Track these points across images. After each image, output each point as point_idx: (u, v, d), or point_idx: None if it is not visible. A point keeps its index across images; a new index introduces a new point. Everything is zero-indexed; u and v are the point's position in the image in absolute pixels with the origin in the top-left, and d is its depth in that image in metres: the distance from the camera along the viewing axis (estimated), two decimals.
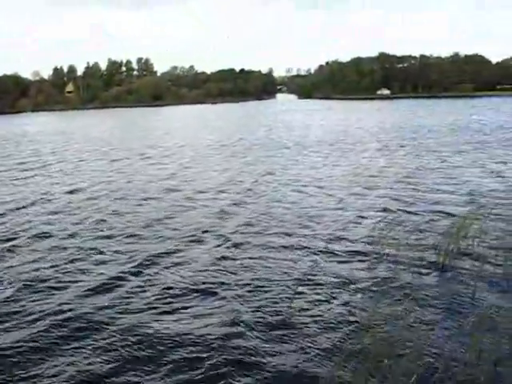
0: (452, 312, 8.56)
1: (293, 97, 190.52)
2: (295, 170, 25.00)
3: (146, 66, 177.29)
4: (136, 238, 13.68)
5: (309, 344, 7.75)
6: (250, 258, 11.68)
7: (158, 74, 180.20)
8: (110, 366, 7.35)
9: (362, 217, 15.12)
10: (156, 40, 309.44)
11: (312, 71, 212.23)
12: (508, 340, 7.33)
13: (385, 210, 15.88)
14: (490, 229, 12.42)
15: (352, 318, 8.41)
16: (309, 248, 12.19)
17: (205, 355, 7.51)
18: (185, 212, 16.69)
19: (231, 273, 10.77)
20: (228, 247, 12.56)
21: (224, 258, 11.75)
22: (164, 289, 9.99)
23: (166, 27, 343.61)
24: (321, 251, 11.92)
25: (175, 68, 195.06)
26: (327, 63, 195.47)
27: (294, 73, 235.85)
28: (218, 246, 12.69)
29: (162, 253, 12.23)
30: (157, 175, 24.72)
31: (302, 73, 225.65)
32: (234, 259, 11.65)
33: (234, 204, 17.64)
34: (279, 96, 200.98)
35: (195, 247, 12.67)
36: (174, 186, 21.64)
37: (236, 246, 12.64)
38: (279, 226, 14.44)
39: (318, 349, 7.59)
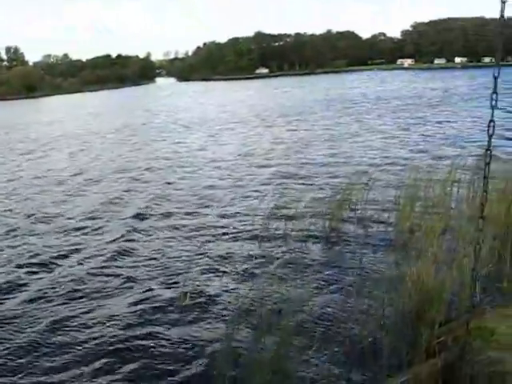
0: (339, 278, 8.84)
1: (173, 80, 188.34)
2: (185, 151, 24.98)
3: (15, 55, 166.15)
4: (28, 230, 13.05)
5: (205, 315, 7.94)
6: (152, 241, 11.63)
7: (30, 64, 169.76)
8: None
9: (254, 193, 15.49)
10: (23, 28, 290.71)
11: (190, 54, 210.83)
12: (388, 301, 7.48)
13: (275, 184, 16.43)
14: (372, 197, 13.15)
15: (243, 291, 8.49)
16: (206, 228, 12.30)
17: (111, 339, 7.40)
18: (77, 202, 16.12)
19: (135, 257, 10.64)
20: (129, 231, 12.35)
21: (127, 242, 11.54)
22: (67, 280, 9.64)
23: (32, 13, 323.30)
24: (215, 230, 12.07)
25: (48, 56, 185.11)
26: (205, 44, 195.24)
27: (173, 56, 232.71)
28: (119, 232, 12.42)
29: (58, 245, 11.75)
30: (45, 168, 23.52)
31: (181, 56, 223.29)
32: (136, 243, 11.51)
33: (128, 190, 17.31)
34: (159, 80, 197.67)
35: (94, 237, 12.31)
36: (62, 177, 20.80)
37: (137, 230, 12.47)
38: (177, 207, 14.44)
39: (212, 318, 7.84)
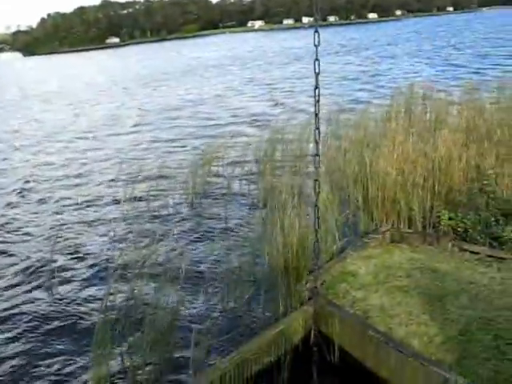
0: (206, 238, 8.95)
1: (19, 55, 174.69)
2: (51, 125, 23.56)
3: None
4: None
5: (79, 277, 7.92)
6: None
7: None
8: None
9: (117, 159, 15.34)
10: None
11: (35, 26, 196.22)
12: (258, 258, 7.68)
13: (140, 149, 16.35)
14: (234, 156, 13.32)
15: (116, 252, 8.49)
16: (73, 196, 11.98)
17: None
18: None
19: None
20: None
21: None
22: None
23: None
24: (81, 197, 11.91)
25: None
26: (49, 15, 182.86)
27: (15, 29, 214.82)
28: None
29: None
30: None
31: (24, 28, 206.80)
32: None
33: None
34: (2, 56, 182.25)
35: None
36: None
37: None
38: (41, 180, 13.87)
39: (89, 278, 7.86)
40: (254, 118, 19.74)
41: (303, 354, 5.29)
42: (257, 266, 7.26)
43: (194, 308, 6.69)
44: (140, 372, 5.52)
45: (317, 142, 3.90)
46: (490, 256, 6.24)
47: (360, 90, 24.06)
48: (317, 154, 3.92)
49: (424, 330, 4.97)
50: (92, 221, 10.31)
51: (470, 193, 7.97)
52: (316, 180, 4.58)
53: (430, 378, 4.45)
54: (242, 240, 8.34)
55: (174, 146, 16.32)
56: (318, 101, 3.21)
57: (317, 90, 3.91)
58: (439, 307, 5.26)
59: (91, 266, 8.27)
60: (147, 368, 5.56)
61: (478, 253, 6.30)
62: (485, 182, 7.94)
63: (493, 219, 7.09)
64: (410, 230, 7.24)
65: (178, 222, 9.76)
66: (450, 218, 7.22)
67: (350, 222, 8.08)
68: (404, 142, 9.01)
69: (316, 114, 3.40)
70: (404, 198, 7.85)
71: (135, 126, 21.43)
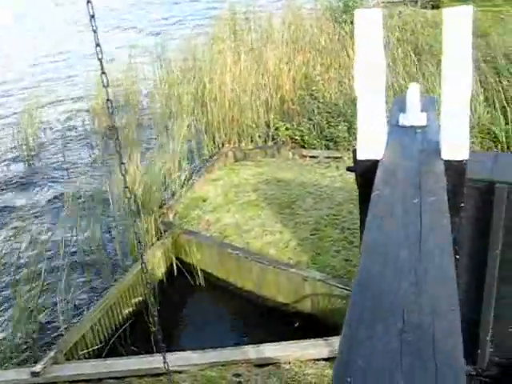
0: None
1: None
2: None
3: None
4: None
5: None
6: None
7: None
8: None
9: None
10: None
11: None
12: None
13: None
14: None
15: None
16: None
17: None
18: None
19: None
20: None
21: None
22: None
23: None
24: None
25: None
26: None
27: None
28: None
29: None
30: None
31: None
32: None
33: None
34: None
35: None
36: None
37: None
38: None
39: None
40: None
41: (169, 285, 5.31)
42: (108, 208, 6.95)
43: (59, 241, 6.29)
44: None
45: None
46: (327, 157, 6.61)
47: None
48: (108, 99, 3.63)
49: (279, 238, 5.19)
50: None
51: (301, 101, 8.25)
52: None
53: (291, 280, 4.71)
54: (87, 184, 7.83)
55: None
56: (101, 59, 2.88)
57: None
58: (289, 214, 5.50)
59: None
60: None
61: (316, 156, 6.64)
62: (313, 89, 8.26)
63: (325, 122, 7.43)
64: (251, 147, 7.39)
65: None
66: (286, 129, 7.47)
67: (194, 148, 8.00)
68: (235, 63, 9.01)
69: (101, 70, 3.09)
70: (242, 117, 7.94)
71: None
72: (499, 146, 6.78)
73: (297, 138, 7.31)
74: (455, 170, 2.27)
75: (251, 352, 4.17)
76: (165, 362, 2.66)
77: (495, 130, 6.80)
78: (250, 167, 6.70)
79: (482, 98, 7.31)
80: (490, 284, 3.97)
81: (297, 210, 5.52)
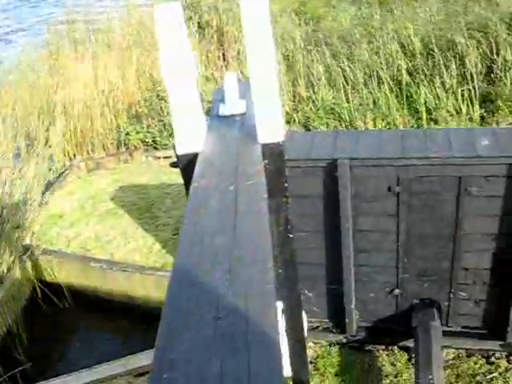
0: None
1: None
2: None
3: None
4: None
5: None
6: None
7: None
8: None
9: None
10: None
11: None
12: None
13: None
14: None
15: None
16: None
17: None
18: None
19: None
20: None
21: None
22: None
23: None
24: None
25: None
26: None
27: None
28: None
29: None
30: None
31: None
32: None
33: None
34: None
35: None
36: None
37: None
38: None
39: None
40: None
41: (35, 312, 5.08)
42: None
43: None
44: None
45: None
46: None
47: None
48: None
49: (142, 243, 5.18)
50: None
51: (149, 102, 8.18)
52: None
53: (160, 283, 4.68)
54: None
55: None
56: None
57: None
58: (149, 217, 5.49)
59: None
60: None
61: (170, 156, 6.65)
62: (159, 89, 8.20)
63: None
64: (103, 155, 7.23)
65: None
66: (137, 132, 7.39)
67: (46, 165, 7.62)
68: (79, 72, 8.68)
69: None
70: (93, 126, 7.72)
71: None
72: (343, 125, 7.23)
73: (148, 140, 7.26)
74: (273, 152, 2.33)
75: (130, 362, 4.11)
76: None
77: (338, 109, 7.24)
78: (105, 176, 6.57)
79: (324, 80, 7.74)
80: (347, 255, 4.26)
81: (156, 212, 5.53)
